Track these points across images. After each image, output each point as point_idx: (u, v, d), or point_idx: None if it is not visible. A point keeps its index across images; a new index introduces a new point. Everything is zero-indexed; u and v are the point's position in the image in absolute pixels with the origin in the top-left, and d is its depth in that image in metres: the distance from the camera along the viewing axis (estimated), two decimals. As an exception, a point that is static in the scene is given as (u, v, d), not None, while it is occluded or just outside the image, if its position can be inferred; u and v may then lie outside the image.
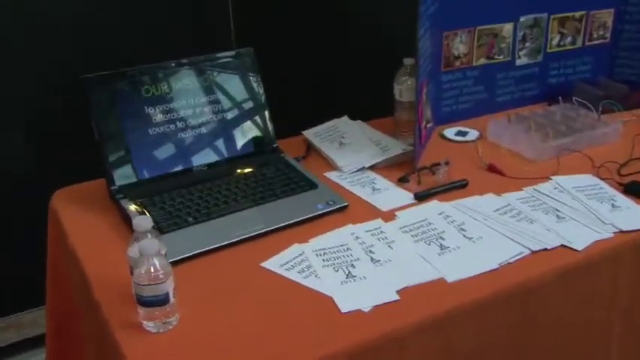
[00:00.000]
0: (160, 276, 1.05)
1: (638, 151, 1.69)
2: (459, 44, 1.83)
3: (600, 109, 1.79)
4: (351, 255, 1.28)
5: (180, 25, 1.93)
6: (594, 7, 2.01)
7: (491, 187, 1.52)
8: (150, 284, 1.05)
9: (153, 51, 1.65)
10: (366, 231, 1.36)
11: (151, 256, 1.05)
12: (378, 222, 1.39)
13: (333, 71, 1.97)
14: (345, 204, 1.44)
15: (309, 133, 1.77)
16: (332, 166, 1.64)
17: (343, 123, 1.79)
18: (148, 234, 1.10)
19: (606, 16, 2.04)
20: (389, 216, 1.42)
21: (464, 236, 1.33)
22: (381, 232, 1.36)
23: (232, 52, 1.60)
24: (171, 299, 1.07)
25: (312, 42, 1.94)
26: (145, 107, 1.49)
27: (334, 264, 1.26)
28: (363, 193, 1.51)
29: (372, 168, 1.63)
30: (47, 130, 1.94)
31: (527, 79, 1.99)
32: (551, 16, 1.96)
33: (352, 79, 2.00)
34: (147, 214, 1.34)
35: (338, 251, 1.30)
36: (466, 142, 1.77)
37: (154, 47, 1.86)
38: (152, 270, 1.05)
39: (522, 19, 1.91)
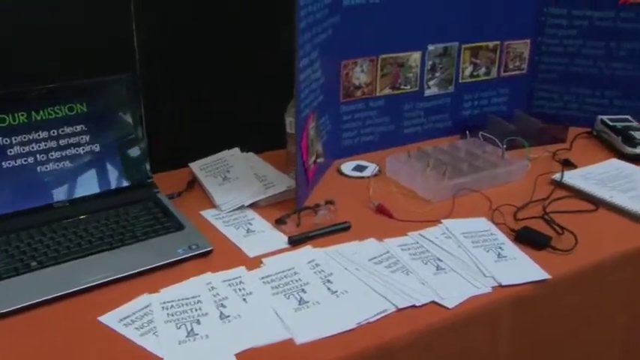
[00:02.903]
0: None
1: (539, 192, 1.59)
2: (359, 73, 1.72)
3: (505, 145, 1.69)
4: (200, 309, 1.17)
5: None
6: (509, 37, 1.92)
7: (376, 230, 1.41)
8: None
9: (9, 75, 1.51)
10: (224, 281, 1.25)
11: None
12: (240, 270, 1.28)
13: (234, 99, 1.86)
14: (209, 249, 1.32)
15: (195, 166, 1.65)
16: (212, 204, 1.52)
17: (232, 156, 1.68)
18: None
19: (522, 46, 1.95)
20: (255, 263, 1.31)
21: (328, 289, 1.22)
22: (241, 282, 1.25)
23: (106, 79, 1.48)
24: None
25: (213, 66, 1.82)
26: (-1, 138, 1.36)
27: (178, 319, 1.14)
28: (235, 236, 1.40)
29: (253, 206, 1.51)
30: None
31: (438, 110, 1.89)
32: (463, 46, 1.86)
33: (254, 107, 1.88)
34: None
35: (187, 304, 1.18)
36: (362, 178, 1.65)
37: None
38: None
39: (431, 47, 1.81)
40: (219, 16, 1.78)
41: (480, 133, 1.76)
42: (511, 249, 1.36)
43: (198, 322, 1.13)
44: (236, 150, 1.69)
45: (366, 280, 1.25)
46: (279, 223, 1.42)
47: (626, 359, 1.48)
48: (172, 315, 1.15)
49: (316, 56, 1.50)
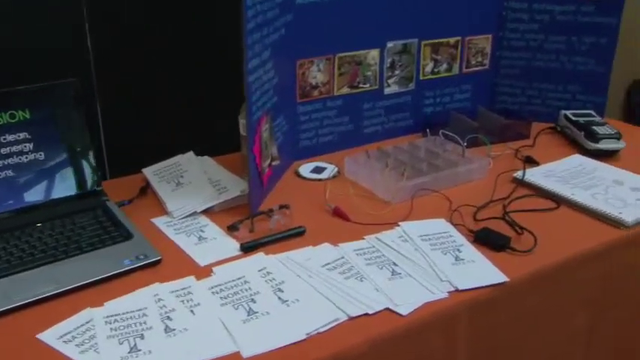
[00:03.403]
0: None
1: (500, 191, 1.55)
2: (316, 73, 1.68)
3: (465, 143, 1.65)
4: (144, 322, 1.12)
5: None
6: (470, 32, 1.89)
7: (331, 235, 1.37)
8: None
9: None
10: (172, 291, 1.20)
11: None
12: (189, 280, 1.23)
13: (190, 101, 1.82)
14: (158, 258, 1.28)
15: (148, 171, 1.60)
16: (165, 211, 1.47)
17: (186, 160, 1.63)
18: None
19: (484, 42, 1.92)
20: (205, 272, 1.26)
21: (279, 298, 1.18)
22: (189, 292, 1.20)
23: (50, 84, 1.42)
24: None
25: (169, 68, 1.78)
26: None
27: (121, 334, 1.09)
28: (186, 244, 1.35)
29: (207, 212, 1.46)
30: None
31: (399, 108, 1.86)
32: (422, 42, 1.82)
33: (211, 108, 1.84)
34: None
35: (131, 318, 1.13)
36: (320, 180, 1.61)
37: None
38: None
39: (389, 44, 1.78)
40: (171, 17, 1.74)
41: (441, 131, 1.72)
42: (469, 251, 1.32)
43: (142, 336, 1.09)
44: (190, 154, 1.64)
45: (318, 287, 1.21)
46: (231, 229, 1.38)
47: (589, 359, 1.45)
48: (115, 330, 1.10)
49: (268, 56, 1.45)
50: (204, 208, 1.46)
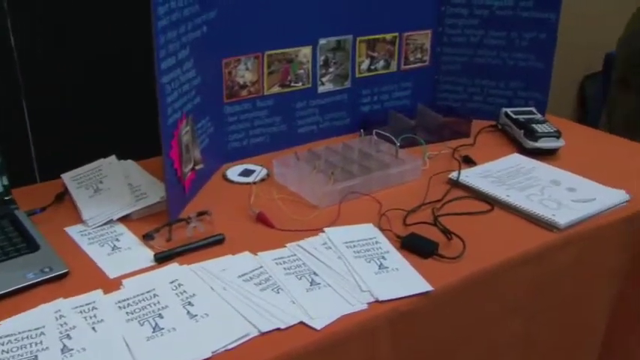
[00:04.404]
0: None
1: (434, 193, 1.50)
2: (244, 71, 1.61)
3: (399, 143, 1.60)
4: (40, 342, 1.05)
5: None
6: (408, 28, 1.83)
7: (253, 242, 1.31)
8: None
9: None
10: (75, 307, 1.13)
11: None
12: (96, 294, 1.16)
13: (115, 103, 1.73)
14: (64, 271, 1.20)
15: (66, 177, 1.53)
16: (81, 219, 1.40)
17: (108, 164, 1.55)
18: None
19: (423, 37, 1.87)
20: (115, 285, 1.19)
21: (188, 313, 1.11)
22: (94, 308, 1.13)
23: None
24: None
25: (93, 69, 1.70)
26: None
27: (14, 356, 1.02)
28: (98, 254, 1.28)
29: (125, 220, 1.39)
30: None
31: (335, 107, 1.79)
32: (358, 38, 1.76)
33: (137, 110, 1.76)
34: None
35: (27, 337, 1.06)
36: (248, 184, 1.55)
37: None
38: None
39: (322, 41, 1.71)
40: (94, 17, 1.66)
41: (375, 130, 1.66)
42: (394, 259, 1.27)
43: (35, 358, 1.02)
44: (112, 158, 1.56)
45: (231, 300, 1.15)
46: (146, 238, 1.31)
47: (524, 365, 1.41)
48: (8, 352, 1.03)
49: (187, 55, 1.39)
50: (120, 215, 1.39)
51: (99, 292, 1.17)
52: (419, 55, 1.88)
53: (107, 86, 1.71)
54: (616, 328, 1.55)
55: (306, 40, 1.68)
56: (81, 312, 1.12)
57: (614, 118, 2.67)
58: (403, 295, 1.17)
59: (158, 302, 1.14)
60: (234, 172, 1.60)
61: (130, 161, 1.58)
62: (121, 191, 1.45)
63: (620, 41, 2.65)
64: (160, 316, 1.11)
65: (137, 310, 1.12)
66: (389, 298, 1.16)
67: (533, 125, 1.74)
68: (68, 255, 1.26)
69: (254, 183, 1.52)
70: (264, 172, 1.58)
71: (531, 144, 1.70)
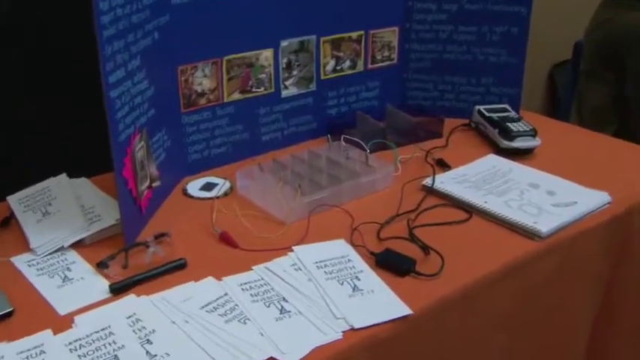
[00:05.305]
0: None
1: (408, 202, 1.42)
2: (202, 78, 1.51)
3: (369, 148, 1.51)
4: (-18, 396, 0.94)
5: None
6: (374, 25, 1.74)
7: (217, 266, 1.21)
8: None
9: None
10: (20, 352, 1.03)
11: None
12: (45, 336, 1.06)
13: (65, 118, 1.61)
14: (8, 310, 1.10)
15: (13, 200, 1.41)
16: (29, 246, 1.29)
17: (57, 183, 1.44)
18: None
19: (390, 35, 1.78)
20: (66, 323, 1.09)
21: (147, 353, 1.02)
22: (42, 352, 1.03)
23: None
24: None
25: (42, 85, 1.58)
26: None
27: (-48, 414, 0.91)
28: (47, 287, 1.18)
29: (78, 246, 1.28)
30: None
31: (300, 112, 1.70)
32: (322, 38, 1.67)
33: (87, 125, 1.64)
34: None
35: (-34, 391, 0.95)
36: (210, 199, 1.45)
37: None
38: None
39: (284, 43, 1.62)
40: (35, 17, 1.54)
41: (343, 136, 1.57)
42: (369, 279, 1.18)
43: (-24, 415, 0.91)
44: (63, 176, 1.45)
45: (193, 335, 1.05)
46: (101, 266, 1.21)
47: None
48: (-55, 408, 0.92)
49: (138, 66, 1.28)
50: (72, 241, 1.28)
51: (48, 332, 1.07)
52: (386, 53, 1.80)
53: (51, 95, 1.58)
54: (599, 335, 1.49)
55: (266, 43, 1.59)
56: (27, 357, 1.02)
57: (584, 110, 2.62)
58: (380, 322, 1.08)
59: (114, 342, 1.04)
60: (194, 186, 1.50)
61: (82, 179, 1.47)
62: (72, 214, 1.34)
63: (587, 32, 2.59)
64: (116, 357, 1.01)
65: (90, 353, 1.02)
66: (365, 325, 1.08)
67: (508, 124, 1.66)
68: (14, 290, 1.16)
69: (216, 198, 1.42)
70: (226, 185, 1.48)
71: (507, 144, 1.63)
